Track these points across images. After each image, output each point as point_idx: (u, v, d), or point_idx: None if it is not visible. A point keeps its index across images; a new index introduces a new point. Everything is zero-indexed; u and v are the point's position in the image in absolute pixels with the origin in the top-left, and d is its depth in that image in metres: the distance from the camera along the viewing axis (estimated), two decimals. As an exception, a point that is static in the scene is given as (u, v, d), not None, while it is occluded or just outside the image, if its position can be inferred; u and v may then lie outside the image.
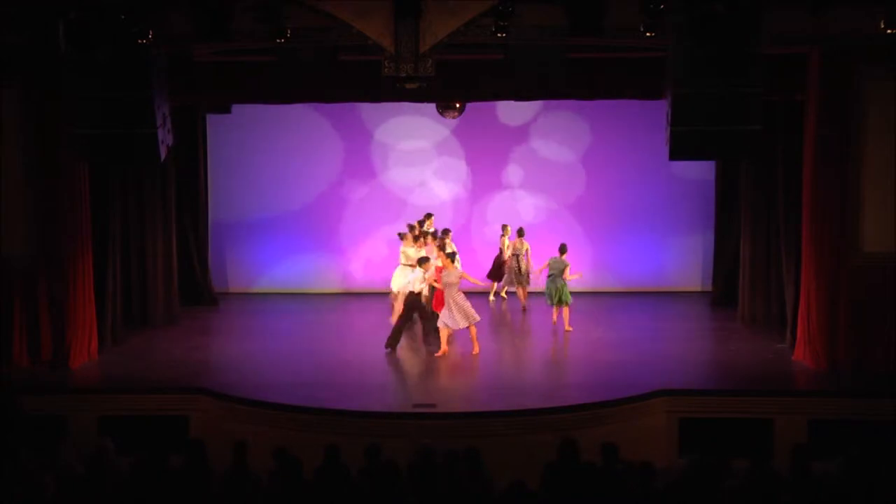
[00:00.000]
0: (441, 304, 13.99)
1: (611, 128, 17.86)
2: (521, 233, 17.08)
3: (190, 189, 17.30)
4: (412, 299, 14.38)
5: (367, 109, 17.63)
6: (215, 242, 18.15)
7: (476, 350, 13.80)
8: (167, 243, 16.10)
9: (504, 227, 17.32)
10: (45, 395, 12.25)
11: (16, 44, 12.48)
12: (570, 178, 18.17)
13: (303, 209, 18.18)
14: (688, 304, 17.41)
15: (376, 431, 10.95)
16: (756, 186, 15.28)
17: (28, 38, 12.33)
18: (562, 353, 14.61)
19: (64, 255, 13.19)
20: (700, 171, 17.40)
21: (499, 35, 11.78)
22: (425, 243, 15.40)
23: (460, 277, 13.92)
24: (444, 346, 13.84)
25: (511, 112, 17.91)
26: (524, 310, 16.83)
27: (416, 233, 15.85)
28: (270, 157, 18.06)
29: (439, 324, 13.85)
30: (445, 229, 16.52)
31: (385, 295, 16.55)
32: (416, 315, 14.69)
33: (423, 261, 14.41)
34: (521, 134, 18.09)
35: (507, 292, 17.59)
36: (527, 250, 16.93)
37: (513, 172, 18.20)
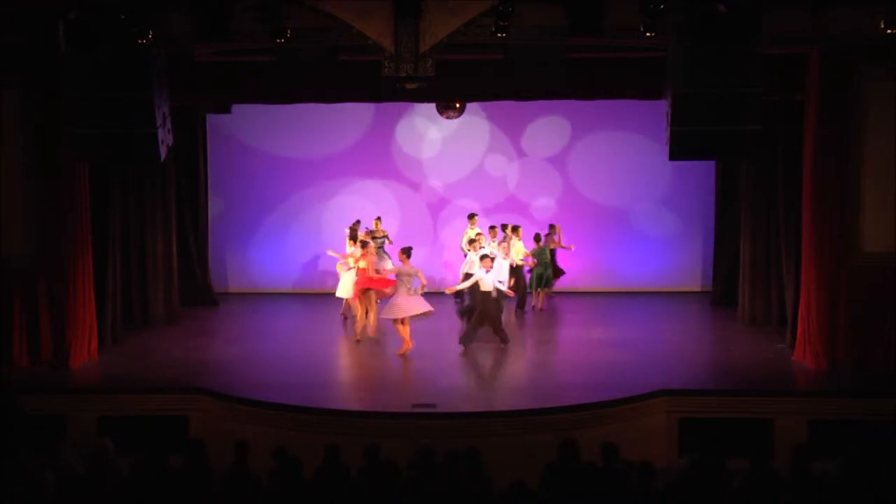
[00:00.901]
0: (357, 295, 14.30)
1: (610, 127, 17.86)
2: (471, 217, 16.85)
3: (190, 189, 17.31)
4: (483, 298, 14.28)
5: (367, 109, 17.63)
6: (215, 242, 18.14)
7: (404, 349, 13.75)
8: (167, 243, 16.10)
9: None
10: (45, 395, 12.23)
11: (16, 44, 12.47)
12: (570, 178, 18.18)
13: (303, 209, 18.18)
14: (688, 304, 17.41)
15: (376, 431, 10.94)
16: (756, 186, 15.27)
17: (28, 38, 12.32)
18: (562, 353, 14.60)
19: (64, 255, 13.19)
20: (700, 171, 17.40)
21: (499, 35, 11.78)
22: (364, 246, 15.14)
23: (415, 274, 13.86)
24: (407, 340, 13.78)
25: (511, 112, 17.92)
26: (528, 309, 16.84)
27: (362, 235, 15.77)
28: (270, 157, 18.08)
29: (383, 316, 13.93)
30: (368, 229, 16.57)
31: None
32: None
33: (484, 258, 14.24)
34: (521, 134, 18.10)
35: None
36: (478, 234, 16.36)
37: (513, 172, 18.21)
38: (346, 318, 15.91)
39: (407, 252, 14.04)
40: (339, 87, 14.00)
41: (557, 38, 12.19)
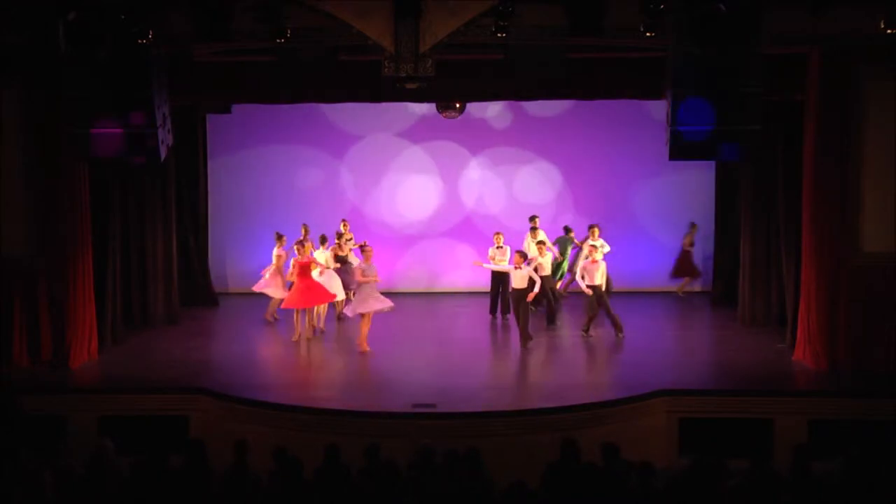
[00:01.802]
0: (298, 293, 14.42)
1: (610, 128, 17.86)
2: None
3: (190, 189, 17.30)
4: (517, 295, 14.36)
5: (368, 110, 17.61)
6: (215, 242, 18.15)
7: (363, 349, 13.92)
8: (167, 243, 16.10)
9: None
10: (45, 395, 12.23)
11: (16, 44, 12.48)
12: (570, 178, 18.18)
13: (303, 209, 18.16)
14: (688, 304, 17.43)
15: (376, 431, 10.94)
16: (756, 186, 15.27)
17: (28, 38, 12.32)
18: (562, 353, 14.59)
19: (64, 255, 13.19)
20: (700, 171, 17.40)
21: (499, 35, 11.79)
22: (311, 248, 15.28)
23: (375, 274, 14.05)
24: (363, 339, 13.97)
25: (511, 112, 17.92)
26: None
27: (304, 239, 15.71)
28: (270, 157, 18.07)
29: (347, 311, 14.13)
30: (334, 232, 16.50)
31: (385, 295, 16.51)
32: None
33: (523, 256, 14.49)
34: (521, 134, 18.10)
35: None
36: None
37: (512, 172, 18.21)
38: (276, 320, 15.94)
39: (364, 250, 14.33)
40: (339, 87, 14.01)
41: (557, 38, 12.19)
